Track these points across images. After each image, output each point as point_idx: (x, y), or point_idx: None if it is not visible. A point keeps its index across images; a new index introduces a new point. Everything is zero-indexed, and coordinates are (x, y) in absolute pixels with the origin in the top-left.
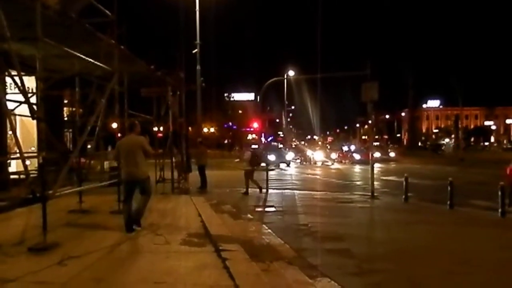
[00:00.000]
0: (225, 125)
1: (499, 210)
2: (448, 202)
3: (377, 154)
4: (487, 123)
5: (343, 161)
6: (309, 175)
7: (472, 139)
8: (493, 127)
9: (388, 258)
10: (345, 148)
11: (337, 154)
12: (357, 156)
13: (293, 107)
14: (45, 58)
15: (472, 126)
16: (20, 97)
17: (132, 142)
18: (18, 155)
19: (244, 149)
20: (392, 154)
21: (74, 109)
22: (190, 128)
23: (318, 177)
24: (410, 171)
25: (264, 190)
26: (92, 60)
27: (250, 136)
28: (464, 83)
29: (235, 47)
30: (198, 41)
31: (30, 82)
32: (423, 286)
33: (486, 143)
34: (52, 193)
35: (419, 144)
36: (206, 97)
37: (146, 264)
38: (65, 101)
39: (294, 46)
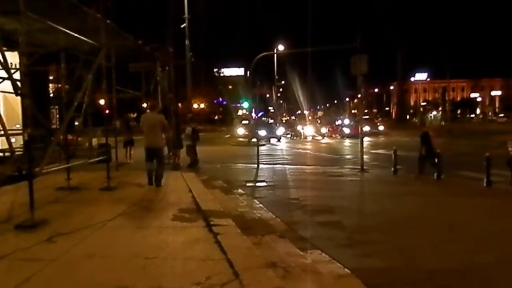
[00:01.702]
0: (215, 101)
1: (485, 180)
2: (436, 173)
3: (366, 128)
4: (473, 95)
5: (334, 135)
6: (300, 150)
7: (459, 111)
8: (479, 99)
9: (378, 230)
10: (338, 122)
11: (327, 129)
12: (346, 130)
13: (283, 82)
14: (29, 32)
15: (458, 98)
16: (3, 73)
17: (153, 118)
18: (2, 132)
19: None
20: (381, 128)
21: (60, 85)
22: (179, 104)
23: (308, 151)
24: (399, 144)
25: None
26: (77, 35)
27: (240, 112)
28: (451, 55)
29: (224, 22)
30: (186, 15)
31: (13, 57)
32: (413, 255)
33: (472, 115)
34: (39, 170)
35: (407, 117)
36: (195, 73)
37: (137, 240)
38: (51, 77)
39: (284, 20)
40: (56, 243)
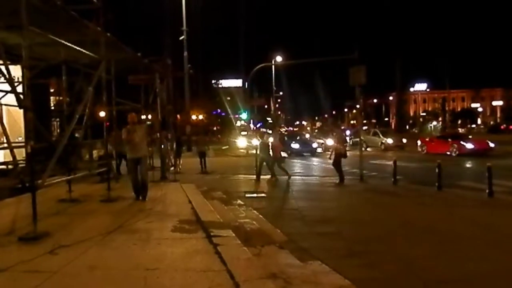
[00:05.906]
0: (214, 112)
1: (487, 191)
2: (437, 184)
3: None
4: (473, 105)
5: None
6: (303, 161)
7: (459, 121)
8: (480, 109)
9: (378, 240)
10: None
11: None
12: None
13: (281, 93)
14: (31, 46)
15: (459, 109)
16: (6, 87)
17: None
18: (5, 145)
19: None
20: None
21: (61, 98)
22: (178, 116)
23: (309, 163)
24: (398, 155)
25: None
26: (78, 48)
27: (238, 123)
28: (450, 65)
29: (222, 34)
30: (184, 27)
31: (15, 71)
32: (415, 265)
33: (473, 125)
34: (41, 183)
35: (407, 127)
36: (193, 84)
37: (137, 251)
38: (52, 90)
39: (282, 32)
40: (58, 255)
